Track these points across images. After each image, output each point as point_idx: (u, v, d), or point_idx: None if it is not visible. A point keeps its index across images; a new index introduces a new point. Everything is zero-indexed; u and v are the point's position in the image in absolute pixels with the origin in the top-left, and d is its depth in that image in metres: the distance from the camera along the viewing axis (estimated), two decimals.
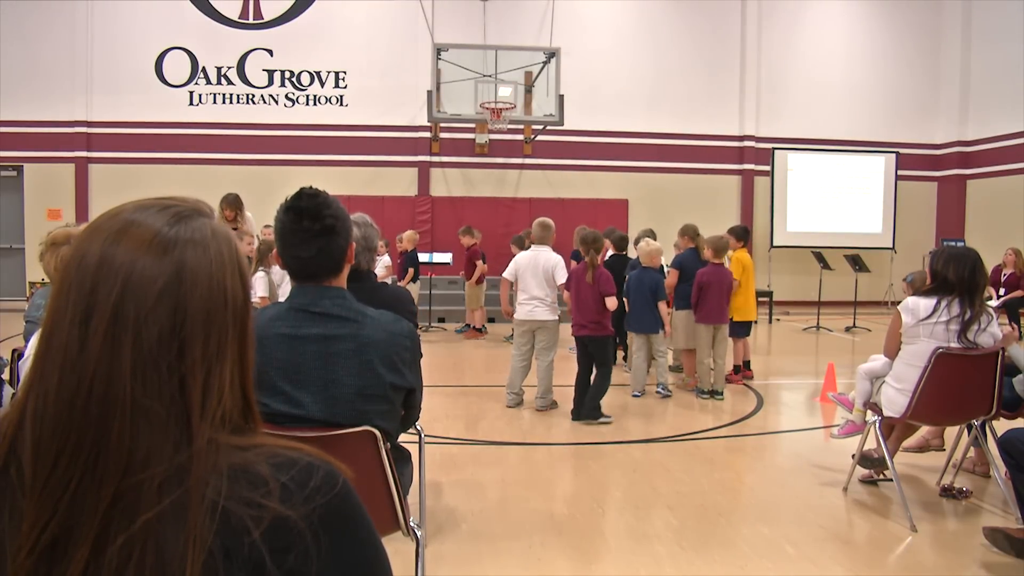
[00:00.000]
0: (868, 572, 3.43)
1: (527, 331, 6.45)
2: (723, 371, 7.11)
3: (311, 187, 2.17)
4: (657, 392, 6.99)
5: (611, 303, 6.01)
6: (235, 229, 7.38)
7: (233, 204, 7.51)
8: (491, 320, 12.33)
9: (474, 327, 10.95)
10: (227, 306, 0.85)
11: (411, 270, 10.53)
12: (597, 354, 6.07)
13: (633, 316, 6.91)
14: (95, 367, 0.78)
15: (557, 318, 6.40)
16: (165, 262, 0.81)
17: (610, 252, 8.01)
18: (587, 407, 5.98)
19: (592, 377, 6.07)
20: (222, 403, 0.83)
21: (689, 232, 7.60)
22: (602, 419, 5.98)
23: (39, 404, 0.79)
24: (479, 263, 10.71)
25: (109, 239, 0.82)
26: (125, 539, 0.75)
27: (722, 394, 6.99)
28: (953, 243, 6.36)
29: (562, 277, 6.30)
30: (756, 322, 11.81)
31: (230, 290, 0.85)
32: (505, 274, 6.61)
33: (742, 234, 7.90)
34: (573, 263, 9.26)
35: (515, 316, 6.52)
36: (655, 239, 7.46)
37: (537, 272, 6.32)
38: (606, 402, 6.11)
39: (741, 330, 7.64)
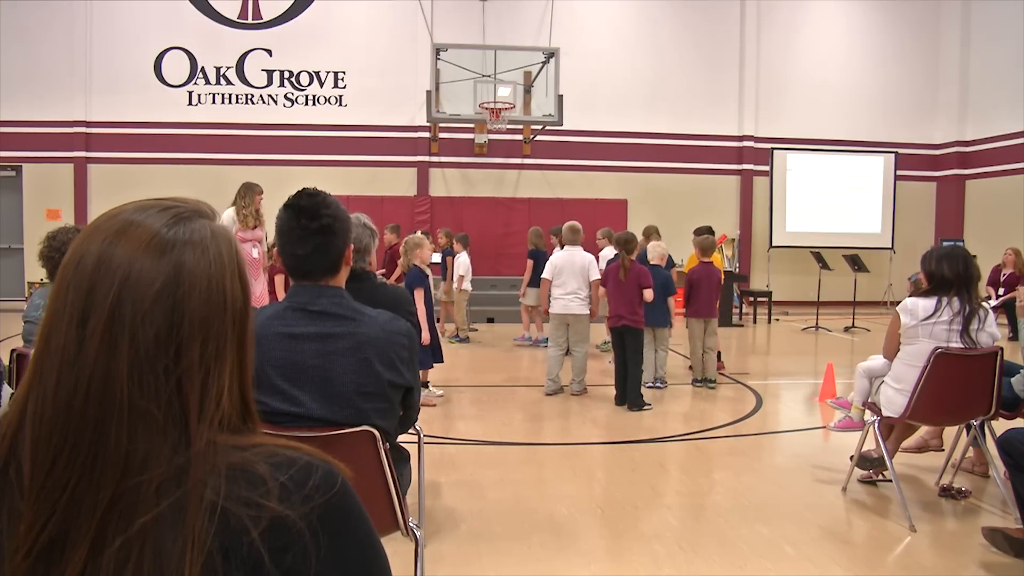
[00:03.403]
0: (867, 572, 3.43)
1: (561, 324, 7.01)
2: (713, 362, 7.51)
3: (313, 187, 2.19)
4: (658, 386, 7.27)
5: (648, 295, 6.58)
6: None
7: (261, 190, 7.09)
8: (491, 320, 12.34)
9: None
10: (226, 308, 0.84)
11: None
12: (632, 344, 6.53)
13: (645, 310, 7.02)
14: (92, 368, 0.77)
15: (588, 312, 6.94)
16: (163, 263, 0.81)
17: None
18: (631, 398, 6.45)
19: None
20: (221, 406, 0.82)
21: (646, 232, 8.69)
22: (646, 407, 6.44)
23: (37, 405, 0.78)
24: (400, 262, 10.62)
25: (108, 239, 0.81)
26: (123, 541, 0.75)
27: (714, 382, 7.38)
28: (952, 243, 6.40)
29: (595, 273, 6.96)
30: (736, 321, 12.06)
31: (229, 292, 0.85)
32: (544, 274, 7.17)
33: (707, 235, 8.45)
34: (530, 262, 9.66)
35: (551, 310, 7.06)
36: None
37: (574, 270, 6.91)
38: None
39: None
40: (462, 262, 10.42)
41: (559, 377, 7.03)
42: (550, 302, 7.07)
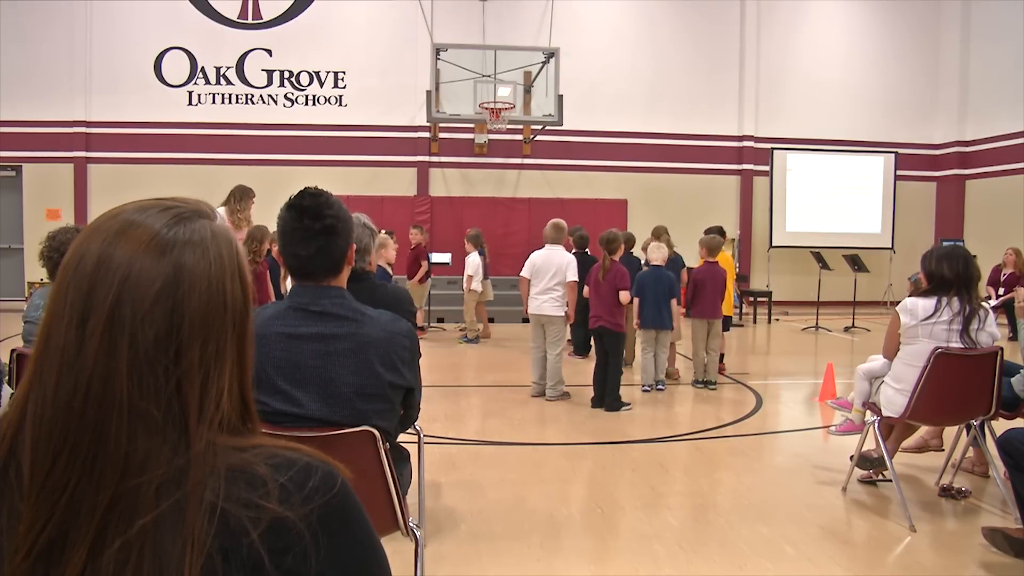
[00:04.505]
0: (867, 572, 3.43)
1: (537, 324, 6.85)
2: (715, 363, 7.46)
3: (315, 187, 2.18)
4: (658, 388, 7.21)
5: (624, 297, 6.47)
6: None
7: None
8: (491, 320, 12.33)
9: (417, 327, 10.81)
10: (226, 309, 0.84)
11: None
12: (610, 345, 6.48)
13: (647, 312, 7.08)
14: (92, 369, 0.77)
15: (564, 314, 6.75)
16: (163, 264, 0.81)
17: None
18: (608, 399, 6.38)
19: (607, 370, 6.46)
20: (220, 407, 0.82)
21: (655, 232, 8.47)
22: (623, 408, 6.38)
23: (37, 406, 0.78)
24: (424, 263, 10.63)
25: (108, 240, 0.81)
26: (122, 543, 0.75)
27: (715, 384, 7.34)
28: (952, 243, 6.40)
29: (573, 275, 6.70)
30: (736, 321, 12.03)
31: (229, 293, 0.85)
32: (523, 272, 6.98)
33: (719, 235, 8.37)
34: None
35: (528, 310, 6.90)
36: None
37: (551, 269, 6.70)
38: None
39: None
40: (471, 261, 10.43)
41: (543, 378, 6.87)
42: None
